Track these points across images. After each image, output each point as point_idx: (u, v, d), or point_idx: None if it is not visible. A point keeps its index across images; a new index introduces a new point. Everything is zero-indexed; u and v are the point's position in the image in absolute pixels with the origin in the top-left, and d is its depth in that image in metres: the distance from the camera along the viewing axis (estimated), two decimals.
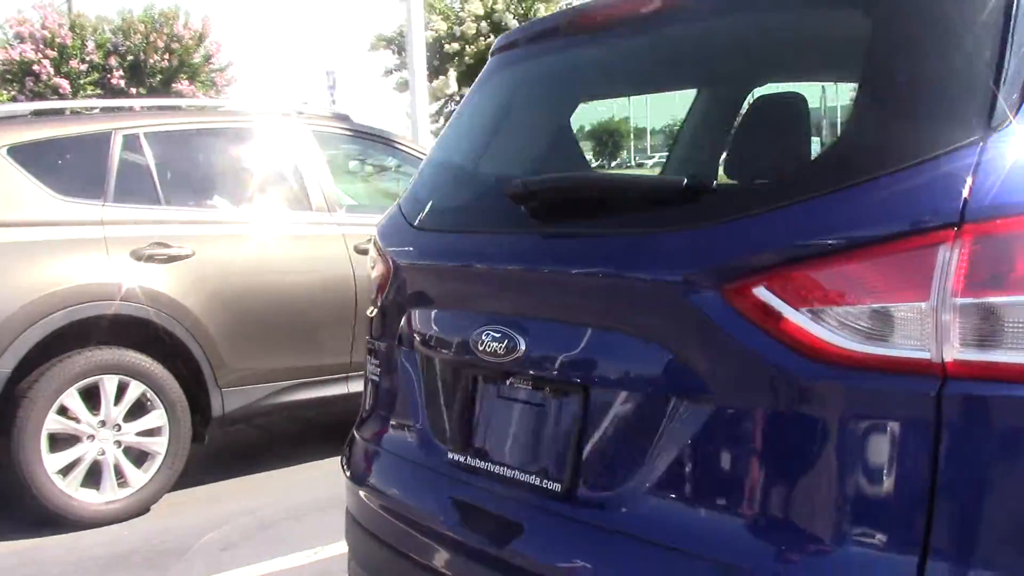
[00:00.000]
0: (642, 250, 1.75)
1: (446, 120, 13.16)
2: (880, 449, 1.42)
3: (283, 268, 5.26)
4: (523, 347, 1.91)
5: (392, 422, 2.39)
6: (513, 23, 16.78)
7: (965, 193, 1.38)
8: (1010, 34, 1.48)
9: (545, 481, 1.87)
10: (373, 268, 2.54)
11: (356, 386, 5.23)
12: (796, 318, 1.50)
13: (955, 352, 1.36)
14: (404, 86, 18.85)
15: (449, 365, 2.21)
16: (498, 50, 2.57)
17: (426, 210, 2.42)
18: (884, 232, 1.44)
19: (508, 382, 2.02)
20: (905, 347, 1.41)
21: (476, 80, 2.60)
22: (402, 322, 2.32)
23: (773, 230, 1.56)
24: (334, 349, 5.30)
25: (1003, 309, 1.34)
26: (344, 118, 6.19)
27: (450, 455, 2.12)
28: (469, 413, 2.11)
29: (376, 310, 2.48)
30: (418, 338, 2.28)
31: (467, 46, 19.30)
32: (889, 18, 1.63)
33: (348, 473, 2.52)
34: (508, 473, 1.96)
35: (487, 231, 2.18)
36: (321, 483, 4.96)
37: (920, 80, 1.56)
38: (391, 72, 21.26)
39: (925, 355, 1.39)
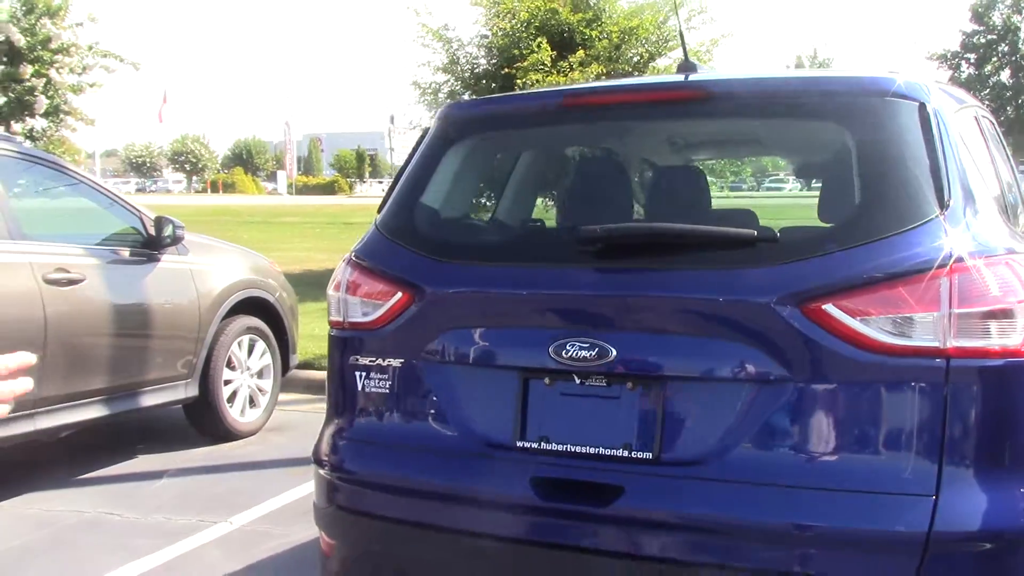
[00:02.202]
0: (733, 280, 2.48)
1: None
2: (911, 402, 2.31)
3: None
4: (614, 353, 2.52)
5: (407, 423, 2.85)
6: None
7: (950, 246, 2.34)
8: (939, 152, 2.48)
9: (634, 452, 2.48)
10: (367, 298, 2.91)
11: (45, 422, 5.26)
12: (852, 324, 2.35)
13: (954, 341, 2.29)
14: None
15: (497, 372, 2.71)
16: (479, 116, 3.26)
17: (448, 245, 2.93)
18: (909, 267, 2.34)
19: (579, 381, 2.59)
20: (924, 339, 2.31)
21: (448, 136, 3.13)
22: (434, 342, 2.78)
23: (837, 266, 2.40)
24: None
25: (977, 315, 2.29)
26: (8, 139, 6.13)
27: (519, 443, 2.62)
28: (530, 408, 2.63)
29: (380, 335, 2.86)
30: (460, 353, 2.76)
31: None
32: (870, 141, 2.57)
33: (347, 471, 2.91)
34: (590, 450, 2.53)
35: (547, 264, 2.74)
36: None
37: (899, 176, 2.48)
38: None
39: (937, 344, 2.30)
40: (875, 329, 2.33)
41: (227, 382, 6.61)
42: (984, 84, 54.83)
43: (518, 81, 12.50)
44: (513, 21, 13.12)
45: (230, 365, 6.64)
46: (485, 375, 2.75)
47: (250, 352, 6.86)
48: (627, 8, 13.69)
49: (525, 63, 12.69)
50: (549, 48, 12.76)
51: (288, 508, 5.21)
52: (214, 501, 5.32)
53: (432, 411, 2.81)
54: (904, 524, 2.24)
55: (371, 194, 67.55)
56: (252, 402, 6.89)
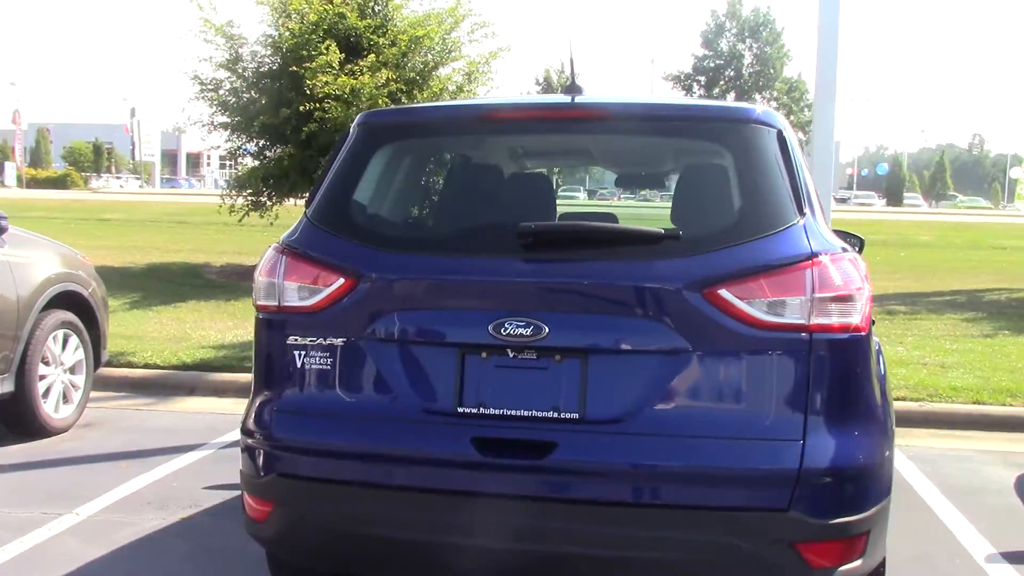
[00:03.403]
0: (646, 270, 3.00)
1: None
2: (785, 367, 2.92)
3: None
4: (546, 330, 2.96)
5: (352, 395, 3.17)
6: None
7: (810, 245, 2.98)
8: (795, 170, 3.14)
9: (563, 414, 2.94)
10: (306, 283, 3.20)
11: None
12: (741, 305, 2.93)
13: (815, 319, 2.91)
14: None
15: (437, 348, 3.09)
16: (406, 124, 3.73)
17: (388, 237, 3.32)
18: (782, 261, 2.96)
19: (512, 355, 3.01)
20: (793, 318, 2.93)
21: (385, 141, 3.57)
22: (376, 322, 3.12)
23: (728, 259, 2.98)
24: None
25: (830, 299, 2.92)
26: None
27: (459, 409, 3.01)
28: (467, 379, 3.02)
29: (320, 317, 3.17)
30: (402, 331, 3.11)
31: None
32: (745, 157, 3.17)
33: (289, 440, 3.19)
34: (524, 413, 2.96)
35: (486, 254, 3.17)
36: None
37: (769, 188, 3.10)
38: None
39: (803, 321, 2.92)
40: (757, 309, 2.92)
41: (42, 378, 6.46)
42: None
43: (307, 81, 12.62)
44: (301, 23, 13.20)
45: (45, 361, 6.49)
46: (425, 351, 3.11)
47: (64, 347, 6.72)
48: (413, 17, 14.09)
49: (313, 64, 12.83)
50: (338, 51, 12.96)
51: (132, 499, 5.25)
52: (51, 495, 5.26)
53: (374, 384, 3.14)
54: (782, 463, 2.85)
55: (112, 190, 63.94)
56: (65, 398, 6.75)
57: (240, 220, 14.51)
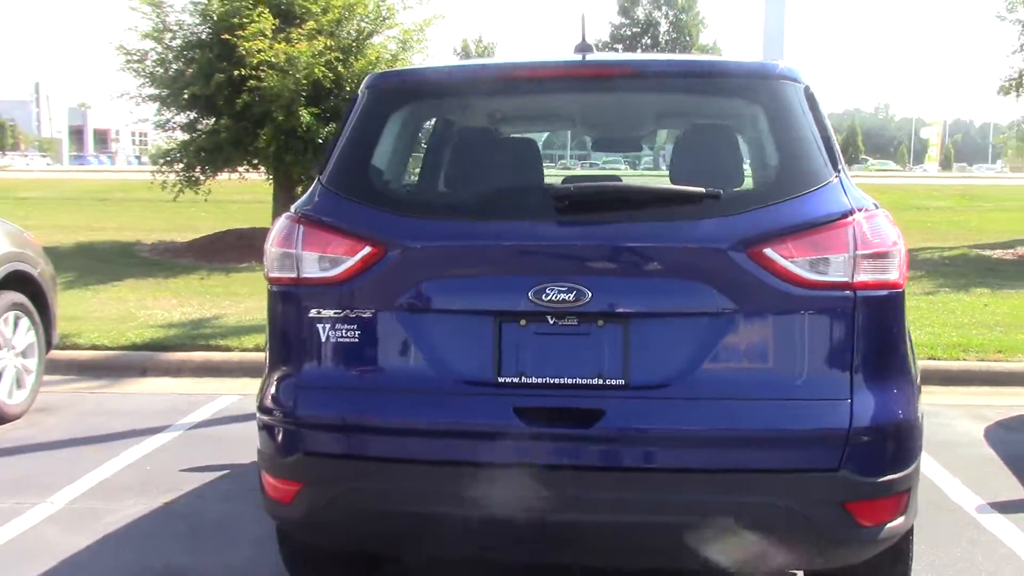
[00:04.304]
0: (689, 230, 2.93)
1: None
2: (830, 326, 2.90)
3: None
4: (589, 295, 2.87)
5: (383, 368, 3.04)
6: None
7: (849, 201, 2.96)
8: (825, 126, 3.09)
9: (608, 380, 2.87)
10: (328, 253, 3.05)
11: None
12: (785, 264, 2.88)
13: (858, 276, 2.88)
14: None
15: (473, 317, 2.98)
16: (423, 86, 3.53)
17: (414, 203, 3.21)
18: (823, 219, 2.92)
19: (552, 321, 2.91)
20: (837, 276, 2.89)
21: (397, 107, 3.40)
22: (407, 292, 2.99)
23: (769, 218, 2.92)
24: None
25: (871, 255, 2.89)
26: None
27: (499, 379, 2.92)
28: (505, 348, 2.92)
29: (345, 288, 3.02)
30: (435, 300, 3.00)
31: None
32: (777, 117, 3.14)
33: (318, 416, 3.04)
34: (567, 381, 2.88)
35: (521, 219, 3.03)
36: None
37: (804, 146, 3.06)
38: None
39: (847, 279, 2.88)
40: (801, 268, 2.88)
41: None
42: None
43: (241, 49, 12.26)
44: None
45: None
46: (459, 320, 2.99)
47: (15, 329, 6.42)
48: None
49: (246, 32, 12.46)
50: (272, 18, 12.60)
51: (107, 484, 5.04)
52: (20, 484, 5.02)
53: (406, 355, 3.01)
54: (831, 422, 2.83)
55: (19, 168, 61.63)
56: (19, 383, 6.46)
57: (175, 198, 14.07)
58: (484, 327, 2.95)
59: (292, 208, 3.22)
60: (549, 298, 2.88)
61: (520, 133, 3.92)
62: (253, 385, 7.17)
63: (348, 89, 13.09)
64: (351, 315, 3.02)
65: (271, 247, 3.15)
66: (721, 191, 2.98)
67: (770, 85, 3.16)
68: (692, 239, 2.93)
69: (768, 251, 2.88)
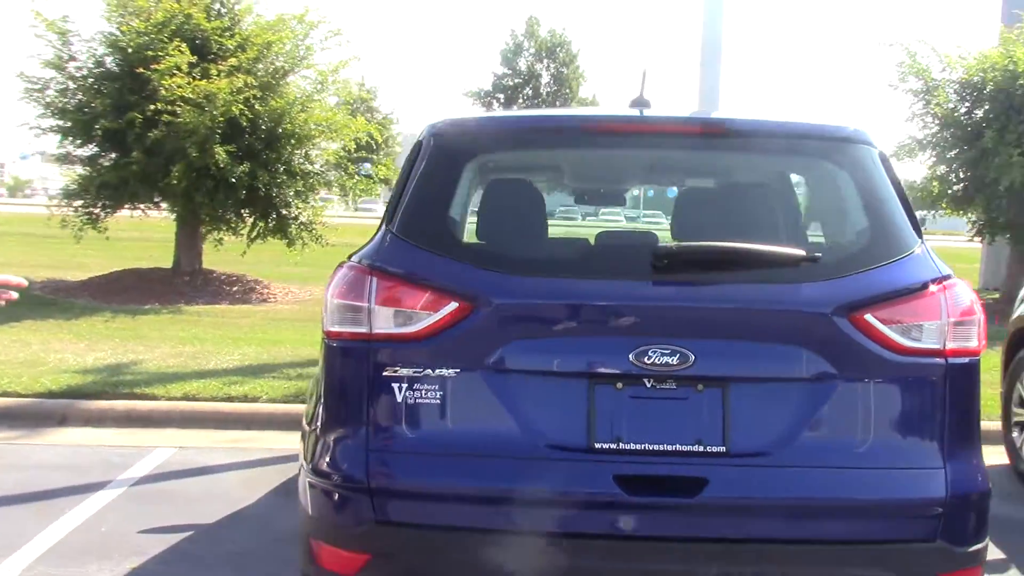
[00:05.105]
0: (792, 293, 2.89)
1: None
2: (925, 393, 2.89)
3: None
4: (693, 358, 2.76)
5: (466, 431, 2.85)
6: None
7: (939, 268, 2.98)
8: (902, 189, 3.10)
9: (708, 447, 2.74)
10: (407, 308, 2.87)
11: None
12: (884, 330, 2.88)
13: (949, 344, 2.89)
14: None
15: (566, 379, 2.83)
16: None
17: (505, 258, 2.99)
18: (918, 285, 2.93)
19: (650, 385, 2.79)
20: (930, 343, 2.89)
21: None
22: (497, 351, 2.83)
23: (868, 283, 2.91)
24: None
25: (959, 323, 2.91)
26: None
27: (596, 444, 2.76)
28: (599, 412, 2.78)
29: (426, 345, 2.85)
30: (526, 361, 2.84)
31: None
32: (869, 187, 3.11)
33: (395, 483, 2.84)
34: (667, 447, 2.75)
35: (619, 277, 2.91)
36: None
37: (890, 210, 3.05)
38: None
39: (939, 346, 2.89)
40: (899, 334, 2.88)
41: None
42: None
43: (163, 83, 11.82)
44: (147, 21, 12.36)
45: None
46: (551, 383, 2.83)
47: None
48: (264, 21, 13.48)
49: (161, 66, 12.02)
50: (189, 52, 12.21)
51: (62, 548, 4.61)
52: None
53: (491, 418, 2.82)
54: (930, 492, 2.80)
55: None
56: None
57: (78, 239, 13.37)
58: (577, 390, 2.81)
59: (355, 257, 3.00)
60: (652, 360, 2.77)
61: (593, 188, 3.78)
62: (187, 436, 6.96)
63: (263, 127, 12.78)
64: (432, 374, 2.83)
65: (333, 299, 2.93)
66: (818, 254, 2.93)
67: (853, 149, 3.14)
68: (795, 302, 2.89)
69: (869, 316, 2.86)
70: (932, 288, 2.92)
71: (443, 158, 3.12)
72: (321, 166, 13.89)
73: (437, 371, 2.83)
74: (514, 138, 3.36)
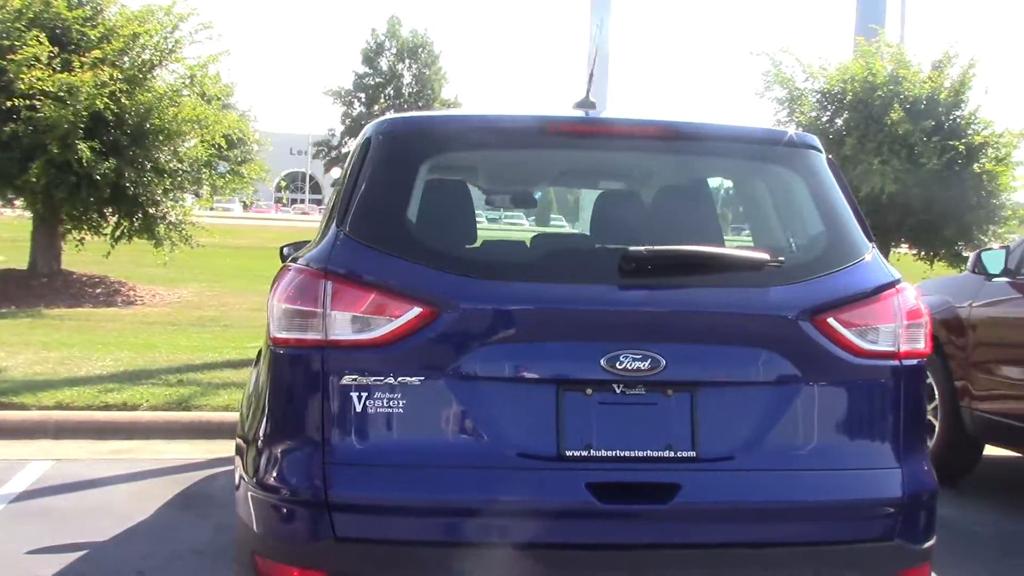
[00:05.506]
0: (759, 296, 2.88)
1: None
2: (881, 394, 2.92)
3: None
4: (663, 363, 2.73)
5: (430, 441, 2.73)
6: None
7: (891, 272, 3.03)
8: (850, 194, 3.15)
9: (679, 452, 2.72)
10: (365, 313, 2.73)
11: None
12: (845, 333, 2.90)
13: (903, 346, 2.94)
14: None
15: (533, 386, 2.75)
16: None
17: (467, 260, 2.91)
18: (873, 289, 2.97)
19: (619, 391, 2.74)
20: (886, 345, 2.93)
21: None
22: (462, 358, 2.72)
23: (830, 287, 2.93)
24: None
25: (911, 325, 2.95)
26: None
27: (567, 452, 2.70)
28: (568, 419, 2.71)
29: (386, 352, 2.71)
30: (493, 368, 2.74)
31: None
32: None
33: (351, 496, 2.69)
34: (638, 454, 2.71)
35: (587, 281, 2.84)
36: None
37: (843, 214, 3.08)
38: None
39: (894, 349, 2.94)
40: (858, 337, 2.91)
41: None
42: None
43: (22, 77, 11.17)
44: (3, 9, 11.67)
45: None
46: (518, 389, 2.75)
47: None
48: (129, 12, 12.92)
49: (18, 56, 11.37)
50: (48, 43, 11.58)
51: None
52: None
53: (457, 428, 2.73)
54: (889, 491, 2.85)
55: None
56: None
57: None
58: (544, 397, 2.73)
59: (302, 261, 2.86)
60: (624, 366, 2.72)
61: (541, 189, 3.70)
62: (64, 448, 6.56)
63: (130, 122, 12.23)
64: (394, 382, 2.70)
65: (281, 304, 2.78)
66: (782, 258, 2.94)
67: (806, 154, 3.17)
68: (762, 306, 2.88)
69: (831, 320, 2.88)
70: (887, 291, 2.97)
71: (395, 157, 3.00)
72: (190, 164, 13.38)
73: (399, 379, 2.71)
74: (470, 138, 3.26)
